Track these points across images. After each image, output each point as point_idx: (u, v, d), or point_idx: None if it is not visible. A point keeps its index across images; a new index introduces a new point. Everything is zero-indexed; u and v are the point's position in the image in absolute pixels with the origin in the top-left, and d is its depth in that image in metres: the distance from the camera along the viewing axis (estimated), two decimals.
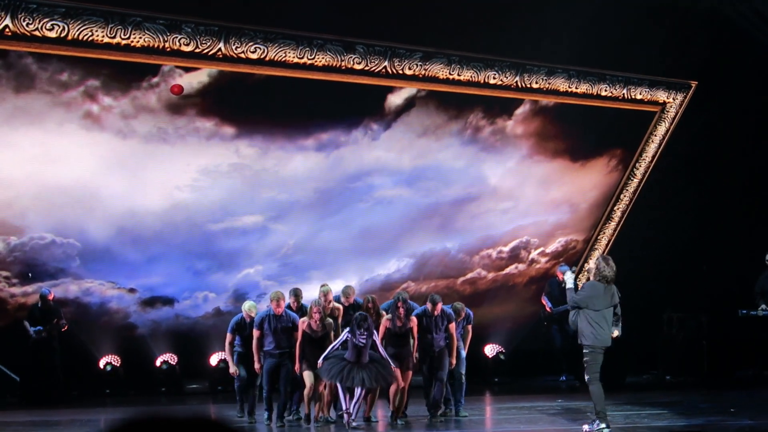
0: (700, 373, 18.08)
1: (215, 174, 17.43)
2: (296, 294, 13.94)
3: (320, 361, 12.53)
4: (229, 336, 13.73)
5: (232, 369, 13.73)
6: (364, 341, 12.32)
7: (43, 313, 16.48)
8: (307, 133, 17.86)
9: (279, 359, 13.04)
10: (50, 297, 16.47)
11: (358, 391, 12.39)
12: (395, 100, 18.33)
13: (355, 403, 12.48)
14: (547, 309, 18.71)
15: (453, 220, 19.42)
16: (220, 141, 17.24)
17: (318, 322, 12.87)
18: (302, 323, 12.95)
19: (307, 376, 12.87)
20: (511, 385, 18.56)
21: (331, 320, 13.18)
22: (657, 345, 18.16)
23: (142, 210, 17.18)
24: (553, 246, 20.34)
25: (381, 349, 12.57)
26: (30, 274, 16.79)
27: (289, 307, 13.51)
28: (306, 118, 17.78)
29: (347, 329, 12.58)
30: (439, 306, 13.18)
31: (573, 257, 20.41)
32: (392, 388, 12.85)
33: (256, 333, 13.14)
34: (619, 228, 20.58)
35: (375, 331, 12.57)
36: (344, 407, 12.54)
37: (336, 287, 14.34)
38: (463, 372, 13.81)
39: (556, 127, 19.50)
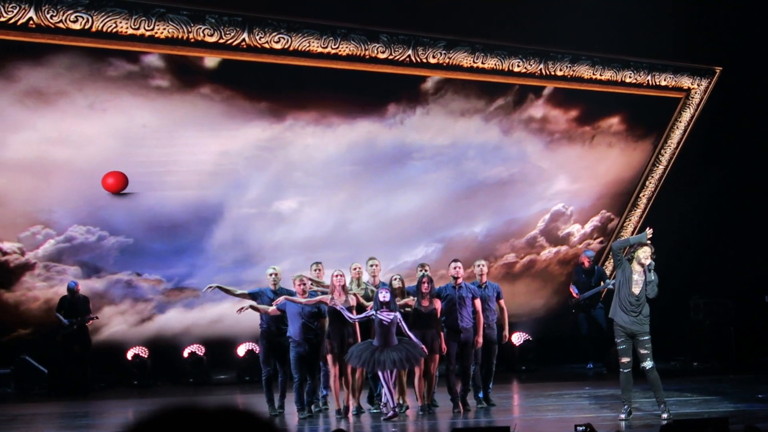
0: (727, 359, 18.01)
1: (240, 158, 17.47)
2: (317, 267, 13.68)
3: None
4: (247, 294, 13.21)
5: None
6: (390, 319, 12.05)
7: (72, 305, 16.56)
8: (341, 116, 17.84)
9: (305, 347, 12.65)
10: (77, 289, 16.55)
11: (384, 374, 12.01)
12: (430, 83, 18.31)
13: (386, 390, 12.16)
14: (574, 295, 18.63)
15: (485, 203, 19.27)
16: (250, 123, 17.26)
17: (340, 291, 12.54)
18: (327, 300, 12.60)
19: (332, 361, 12.56)
20: (538, 372, 18.52)
21: (354, 296, 12.76)
22: (684, 331, 18.06)
23: (170, 198, 17.21)
24: (589, 226, 20.21)
25: (407, 330, 12.23)
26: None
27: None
28: (340, 100, 17.76)
29: (372, 309, 12.29)
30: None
31: (607, 239, 20.34)
32: (417, 374, 12.52)
33: (273, 310, 12.71)
34: (644, 214, 20.46)
35: (399, 312, 12.27)
36: (385, 401, 12.29)
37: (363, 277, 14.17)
38: (495, 361, 13.66)
39: (589, 110, 19.46)
